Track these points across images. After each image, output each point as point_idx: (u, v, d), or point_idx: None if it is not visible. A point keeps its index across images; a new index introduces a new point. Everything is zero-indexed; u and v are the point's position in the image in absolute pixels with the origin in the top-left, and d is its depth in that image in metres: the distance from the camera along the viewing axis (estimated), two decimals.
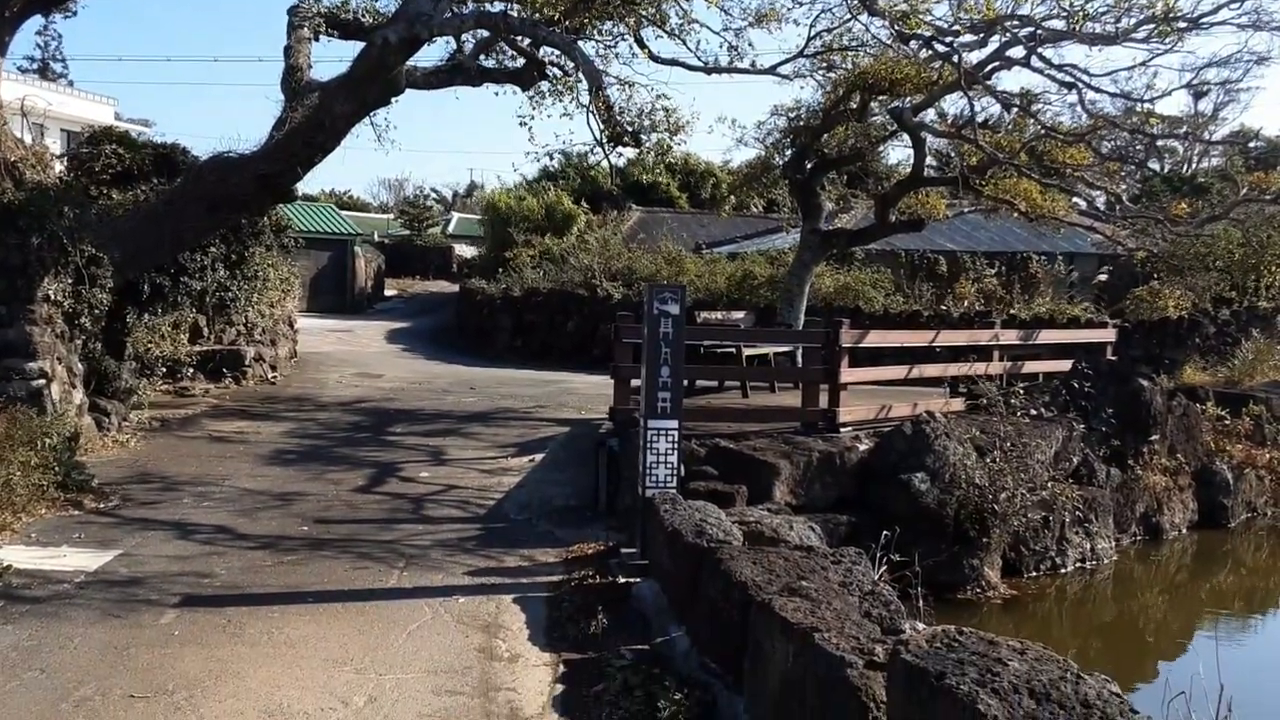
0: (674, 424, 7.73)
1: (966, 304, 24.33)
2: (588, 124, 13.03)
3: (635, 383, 10.57)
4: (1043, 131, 14.10)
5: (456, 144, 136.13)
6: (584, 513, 9.88)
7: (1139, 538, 12.43)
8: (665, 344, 7.64)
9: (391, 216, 63.63)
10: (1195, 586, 11.92)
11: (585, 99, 14.19)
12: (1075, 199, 19.31)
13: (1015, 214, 16.68)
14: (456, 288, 36.22)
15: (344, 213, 42.44)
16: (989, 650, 3.98)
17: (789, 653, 4.81)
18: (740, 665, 5.47)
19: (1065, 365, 13.88)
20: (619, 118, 12.07)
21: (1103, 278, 30.45)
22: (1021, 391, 11.02)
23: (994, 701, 3.58)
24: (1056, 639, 9.65)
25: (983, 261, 27.10)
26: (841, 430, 10.53)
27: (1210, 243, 21.17)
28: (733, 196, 24.26)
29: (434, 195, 72.70)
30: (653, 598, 7.06)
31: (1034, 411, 10.85)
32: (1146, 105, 14.69)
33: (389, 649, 6.20)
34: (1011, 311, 22.47)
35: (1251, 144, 32.74)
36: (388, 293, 42.04)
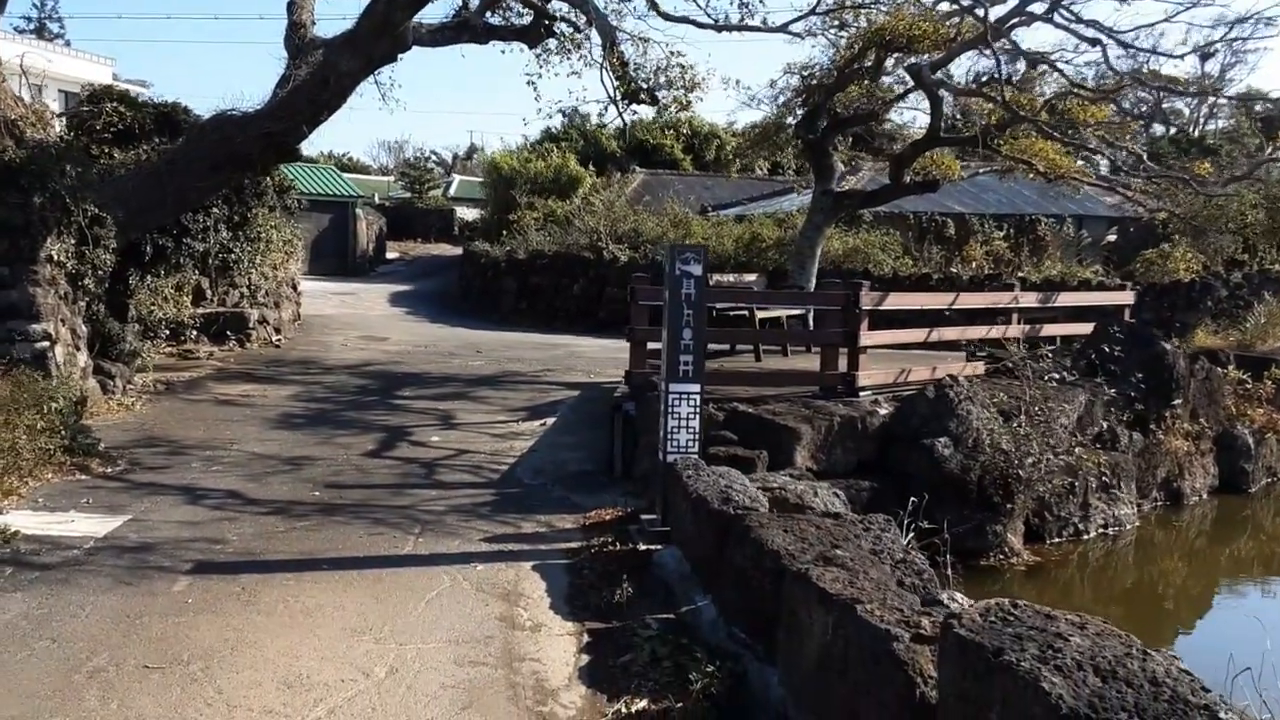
0: (696, 388, 7.54)
1: (975, 266, 24.14)
2: (601, 81, 12.72)
3: (652, 346, 10.39)
4: (1067, 88, 13.79)
5: (455, 106, 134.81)
6: (599, 477, 9.70)
7: (1159, 503, 12.27)
8: (688, 306, 7.43)
9: (392, 179, 63.19)
10: (1217, 552, 11.78)
11: (594, 56, 13.90)
12: (1082, 160, 19.06)
13: (1031, 175, 16.42)
14: (458, 250, 35.95)
15: (344, 175, 42.08)
16: (1047, 624, 3.80)
17: (828, 624, 4.63)
18: (771, 636, 5.30)
19: (1083, 329, 13.65)
20: (634, 74, 11.78)
21: (1111, 238, 30.20)
22: (1050, 354, 10.80)
23: (1058, 679, 3.40)
24: (1079, 606, 9.49)
25: (991, 224, 26.88)
26: (860, 394, 10.34)
27: (1224, 203, 20.91)
28: (738, 159, 23.99)
29: (434, 158, 72.14)
30: (675, 565, 6.89)
31: (1056, 375, 10.64)
32: (1172, 60, 14.37)
33: (408, 618, 6.04)
34: (1020, 274, 22.29)
35: (1258, 106, 32.57)
36: (389, 255, 41.74)
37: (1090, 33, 12.86)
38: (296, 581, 6.58)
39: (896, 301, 11.59)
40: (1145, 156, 15.04)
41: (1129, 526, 11.18)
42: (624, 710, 5.01)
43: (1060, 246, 27.26)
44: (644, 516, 7.90)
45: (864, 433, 9.64)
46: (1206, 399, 12.99)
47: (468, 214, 48.52)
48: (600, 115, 24.18)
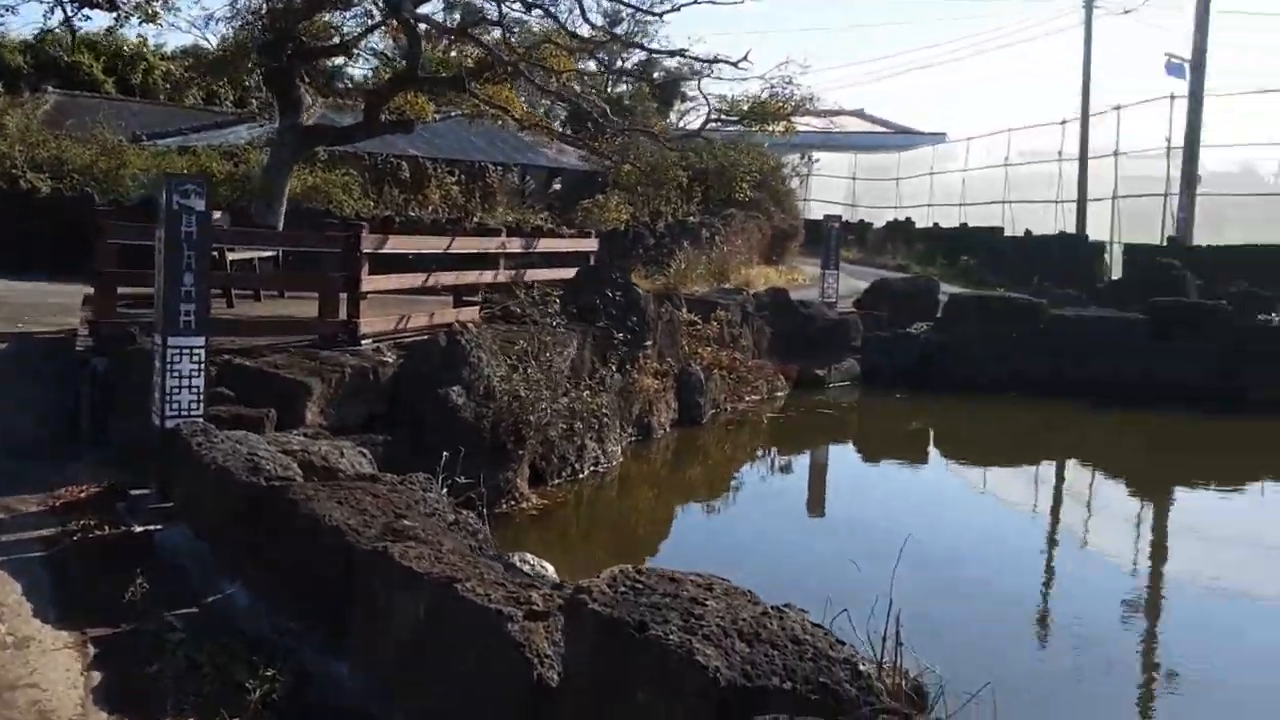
0: (201, 341, 6.55)
1: (433, 210, 24.20)
2: None
3: (124, 290, 8.99)
4: (546, 36, 13.96)
5: None
6: (62, 447, 8.09)
7: (634, 438, 13.01)
8: (189, 246, 6.39)
9: None
10: (680, 479, 12.83)
11: None
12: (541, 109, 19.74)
13: (500, 122, 16.57)
14: None
15: None
16: (677, 590, 3.64)
17: (421, 608, 4.15)
18: (334, 624, 4.71)
19: (561, 274, 14.09)
20: None
21: (557, 187, 31.82)
22: (557, 299, 10.91)
23: (711, 650, 3.25)
24: (577, 543, 9.83)
25: (444, 169, 27.01)
26: (363, 343, 9.72)
27: (653, 161, 22.76)
28: (190, 86, 21.80)
29: None
30: (189, 547, 5.95)
31: (552, 321, 10.80)
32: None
33: None
34: (477, 219, 22.74)
35: (655, 74, 36.47)
36: None
37: None
38: None
39: (399, 245, 11.06)
40: (609, 110, 15.70)
41: (615, 463, 11.73)
42: None
43: (508, 194, 28.13)
44: (134, 492, 6.76)
45: (375, 384, 9.05)
46: (670, 340, 14.00)
47: None
48: (49, 16, 20.32)
